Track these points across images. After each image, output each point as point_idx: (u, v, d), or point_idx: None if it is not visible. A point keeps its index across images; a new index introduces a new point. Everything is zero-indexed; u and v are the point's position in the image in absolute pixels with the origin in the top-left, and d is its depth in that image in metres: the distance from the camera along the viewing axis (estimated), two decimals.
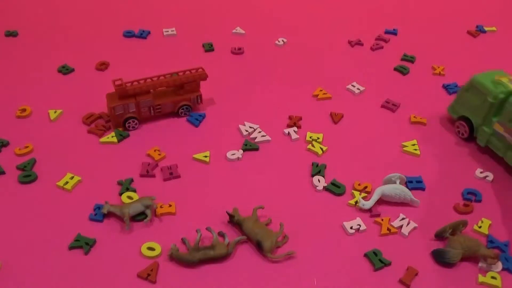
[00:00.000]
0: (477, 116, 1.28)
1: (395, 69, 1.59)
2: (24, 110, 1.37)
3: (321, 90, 1.48)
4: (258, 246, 1.05)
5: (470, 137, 1.33)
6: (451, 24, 1.82)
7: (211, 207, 1.15)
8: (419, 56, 1.64)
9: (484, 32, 1.78)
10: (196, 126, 1.36)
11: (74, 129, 1.33)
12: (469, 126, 1.31)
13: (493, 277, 1.03)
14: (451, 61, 1.62)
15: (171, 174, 1.21)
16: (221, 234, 1.08)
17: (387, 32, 1.75)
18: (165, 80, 1.32)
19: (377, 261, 1.05)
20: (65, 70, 1.53)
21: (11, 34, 1.68)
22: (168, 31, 1.71)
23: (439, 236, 1.09)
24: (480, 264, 1.05)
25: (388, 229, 1.11)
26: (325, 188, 1.20)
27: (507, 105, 1.21)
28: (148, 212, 1.10)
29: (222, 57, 1.62)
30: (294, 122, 1.37)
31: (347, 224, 1.11)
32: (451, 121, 1.40)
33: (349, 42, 1.70)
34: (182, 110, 1.37)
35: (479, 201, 1.19)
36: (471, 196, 1.19)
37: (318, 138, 1.32)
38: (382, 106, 1.45)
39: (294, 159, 1.28)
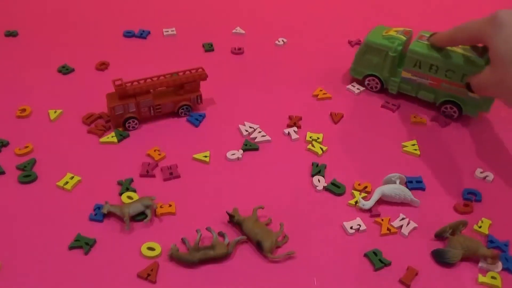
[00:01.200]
0: (383, 71, 1.43)
1: None
2: (24, 110, 1.37)
3: (321, 90, 1.48)
4: (258, 246, 1.05)
5: (382, 89, 1.46)
6: (451, 23, 1.81)
7: (211, 207, 1.15)
8: None
9: None
10: (196, 126, 1.36)
11: (74, 129, 1.33)
12: (379, 79, 1.44)
13: (493, 277, 1.03)
14: None
15: (171, 174, 1.21)
16: (221, 234, 1.08)
17: None
18: (165, 80, 1.32)
19: (377, 261, 1.05)
20: (65, 70, 1.53)
21: (11, 34, 1.68)
22: (168, 31, 1.71)
23: (439, 236, 1.09)
24: (480, 264, 1.05)
25: (388, 229, 1.11)
26: (325, 188, 1.20)
27: (408, 54, 1.36)
28: (148, 212, 1.10)
29: (222, 57, 1.62)
30: (294, 122, 1.37)
31: (347, 224, 1.11)
32: (356, 81, 1.51)
33: (349, 42, 1.70)
34: (182, 110, 1.37)
35: (479, 201, 1.19)
36: (471, 196, 1.19)
37: (318, 138, 1.32)
38: (382, 106, 1.45)
39: (294, 159, 1.27)
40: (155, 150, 1.27)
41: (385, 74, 1.43)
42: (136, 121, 1.33)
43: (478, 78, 1.20)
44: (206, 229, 1.08)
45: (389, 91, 1.45)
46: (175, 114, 1.38)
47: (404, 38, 1.40)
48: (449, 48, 1.33)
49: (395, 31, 1.42)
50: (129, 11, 1.82)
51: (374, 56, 1.42)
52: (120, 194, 1.16)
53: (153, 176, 1.22)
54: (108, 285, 1.00)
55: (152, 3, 1.86)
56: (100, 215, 1.11)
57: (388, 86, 1.45)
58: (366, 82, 1.48)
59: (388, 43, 1.39)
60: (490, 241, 1.09)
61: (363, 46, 1.43)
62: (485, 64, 1.27)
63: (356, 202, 1.16)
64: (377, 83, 1.46)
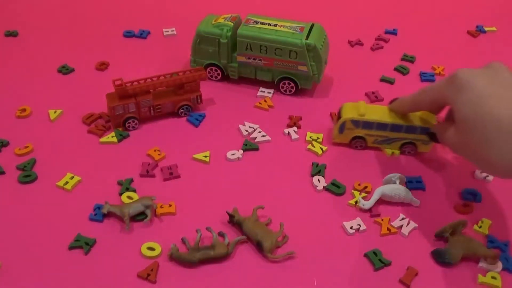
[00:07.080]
0: (220, 58, 1.45)
1: (395, 69, 1.59)
2: (24, 110, 1.37)
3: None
4: (258, 246, 1.05)
5: (223, 77, 1.49)
6: (451, 24, 1.82)
7: (211, 207, 1.15)
8: (419, 56, 1.64)
9: (484, 32, 1.78)
10: (196, 126, 1.36)
11: (74, 129, 1.33)
12: (219, 68, 1.47)
13: (493, 277, 1.03)
14: (451, 61, 1.62)
15: (171, 174, 1.21)
16: (221, 234, 1.08)
17: (387, 32, 1.75)
18: (165, 80, 1.32)
19: (377, 261, 1.05)
20: (65, 70, 1.53)
21: (11, 34, 1.68)
22: (168, 31, 1.71)
23: (439, 236, 1.09)
24: (480, 264, 1.05)
25: (388, 229, 1.11)
26: (325, 188, 1.20)
27: (238, 38, 1.39)
28: (148, 212, 1.10)
29: None
30: (294, 122, 1.37)
31: (347, 224, 1.11)
32: None
33: (349, 42, 1.70)
34: (182, 110, 1.37)
35: (479, 201, 1.19)
36: (471, 196, 1.19)
37: (318, 138, 1.32)
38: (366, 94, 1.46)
39: (294, 159, 1.27)
40: (155, 150, 1.27)
41: (223, 61, 1.45)
42: (136, 121, 1.33)
43: (446, 139, 1.12)
44: (206, 229, 1.08)
45: (231, 77, 1.47)
46: (175, 114, 1.38)
47: (232, 24, 1.42)
48: (274, 27, 1.39)
49: (223, 18, 1.45)
50: (129, 11, 1.82)
51: (209, 46, 1.44)
52: (120, 194, 1.16)
53: (153, 176, 1.22)
54: (108, 285, 1.00)
55: (152, 3, 1.86)
56: (100, 215, 1.11)
57: (228, 73, 1.47)
58: (207, 71, 1.48)
59: (218, 30, 1.41)
60: (490, 241, 1.09)
61: (196, 36, 1.44)
62: (305, 38, 1.35)
63: (356, 202, 1.16)
64: (217, 72, 1.48)
